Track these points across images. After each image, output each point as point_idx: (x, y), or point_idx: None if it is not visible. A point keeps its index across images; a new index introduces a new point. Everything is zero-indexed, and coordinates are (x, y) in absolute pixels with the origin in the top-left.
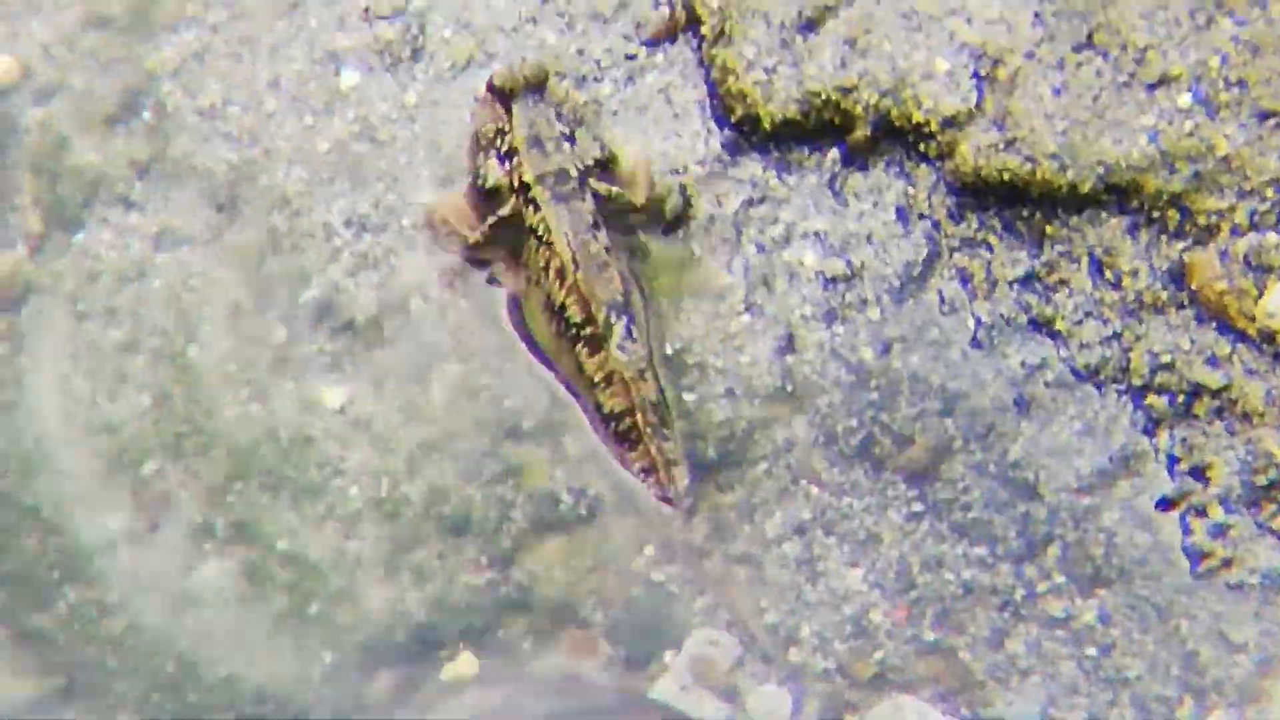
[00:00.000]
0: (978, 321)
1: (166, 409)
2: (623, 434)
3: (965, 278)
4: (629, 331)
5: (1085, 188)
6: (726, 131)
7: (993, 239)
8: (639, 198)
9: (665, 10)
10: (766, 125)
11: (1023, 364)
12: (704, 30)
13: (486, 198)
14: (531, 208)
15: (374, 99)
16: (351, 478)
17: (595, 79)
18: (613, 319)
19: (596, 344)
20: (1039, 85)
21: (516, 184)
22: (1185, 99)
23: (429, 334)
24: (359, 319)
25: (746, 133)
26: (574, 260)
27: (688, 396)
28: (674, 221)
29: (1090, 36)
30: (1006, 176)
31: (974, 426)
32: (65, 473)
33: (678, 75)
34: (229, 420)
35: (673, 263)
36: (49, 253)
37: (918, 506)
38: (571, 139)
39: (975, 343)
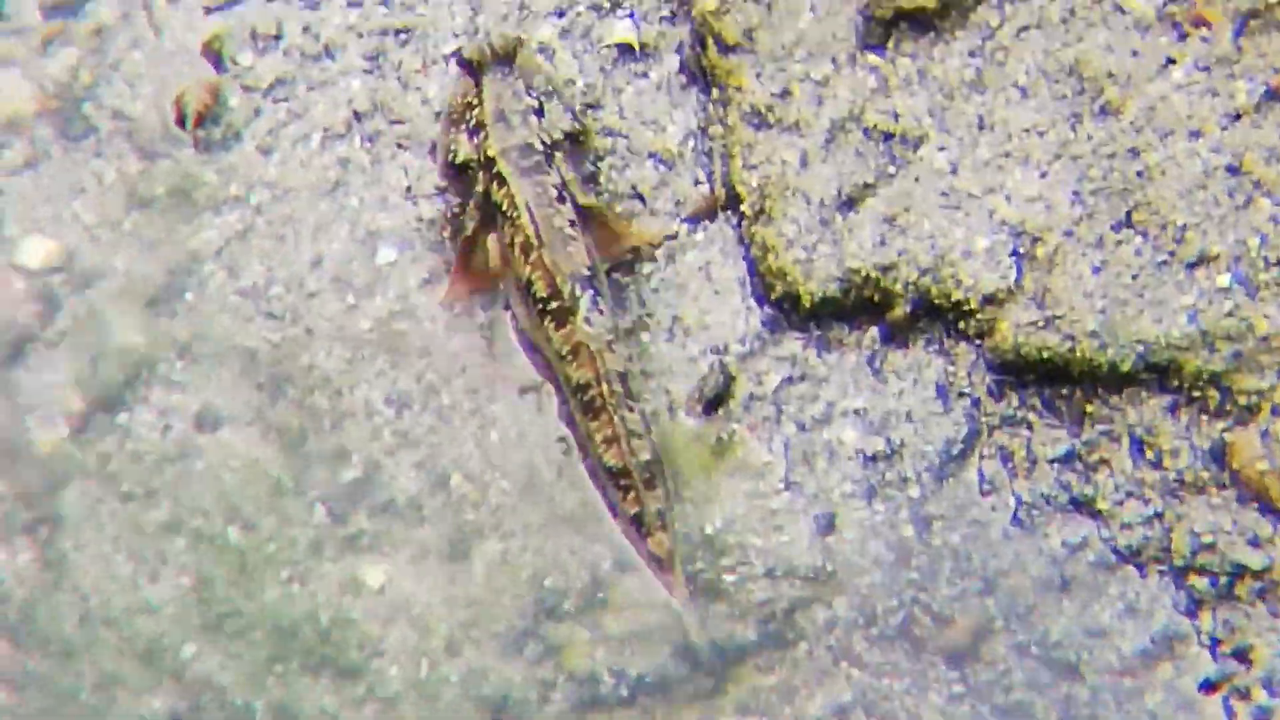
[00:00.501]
0: (1018, 500)
1: (207, 590)
2: (588, 405)
3: (1005, 456)
4: (594, 303)
5: (1125, 367)
6: (766, 309)
7: (1033, 417)
8: (626, 236)
9: (705, 188)
10: (806, 303)
11: (1064, 544)
12: (744, 208)
13: (459, 174)
14: (497, 183)
15: (415, 277)
16: (391, 658)
17: (634, 258)
18: (578, 291)
19: (563, 318)
20: (1078, 263)
21: (483, 159)
22: (1225, 279)
23: (469, 513)
24: (399, 498)
25: (786, 310)
26: (537, 234)
27: (728, 577)
28: (714, 400)
29: (1129, 215)
30: (1046, 355)
31: (1015, 606)
32: (106, 655)
33: (718, 253)
34: (269, 601)
35: (712, 441)
36: (91, 433)
37: (959, 688)
38: (540, 112)
39: (1016, 521)
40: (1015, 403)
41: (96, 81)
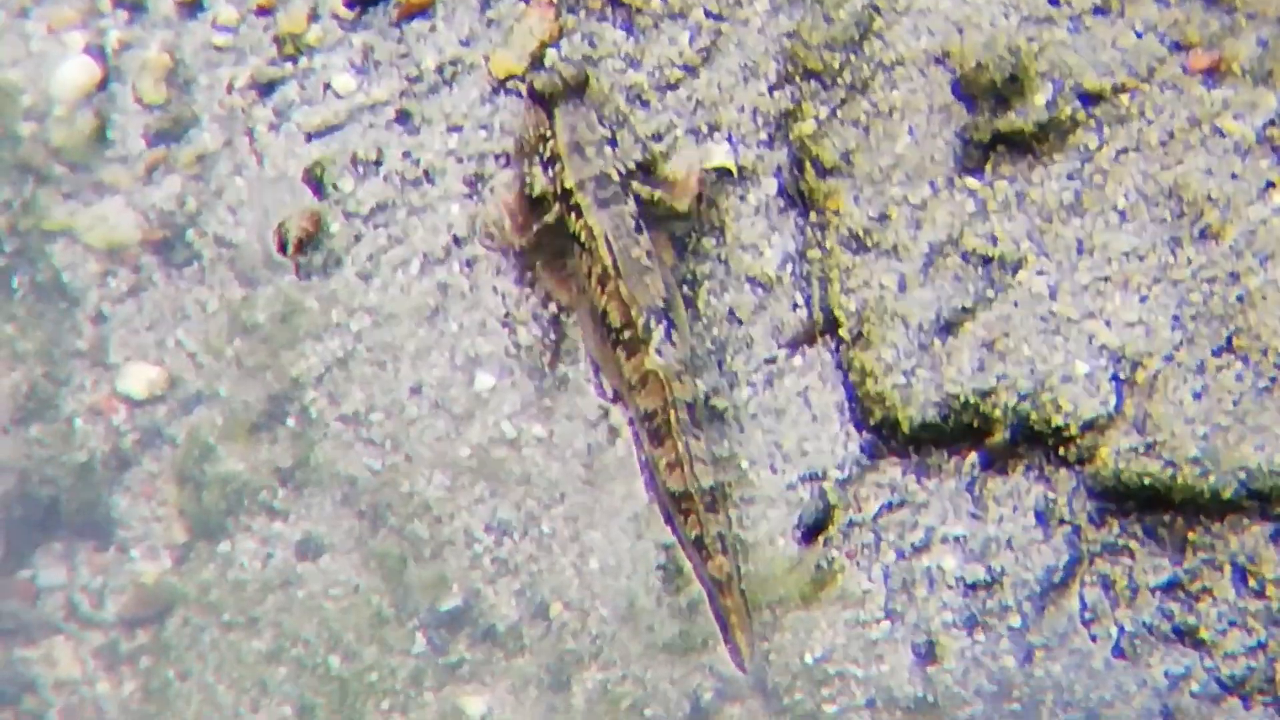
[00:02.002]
0: (1120, 630)
1: None
2: (654, 432)
3: (1107, 584)
4: (668, 335)
5: (1227, 494)
6: (865, 435)
7: (1134, 545)
8: (683, 203)
9: (803, 313)
10: (905, 428)
11: (1166, 674)
12: (842, 332)
13: (533, 206)
14: (574, 214)
15: (513, 404)
16: None
17: (732, 384)
18: (652, 323)
19: (634, 347)
20: (1179, 389)
21: (559, 191)
22: None
23: (569, 642)
24: (499, 627)
25: (885, 436)
26: (614, 265)
27: (829, 708)
28: (813, 527)
29: (1230, 340)
30: (1147, 481)
31: None
32: None
33: (816, 378)
34: None
35: (812, 568)
36: (193, 562)
37: None
38: (614, 142)
39: (1118, 652)
40: (1116, 530)
41: (200, 208)
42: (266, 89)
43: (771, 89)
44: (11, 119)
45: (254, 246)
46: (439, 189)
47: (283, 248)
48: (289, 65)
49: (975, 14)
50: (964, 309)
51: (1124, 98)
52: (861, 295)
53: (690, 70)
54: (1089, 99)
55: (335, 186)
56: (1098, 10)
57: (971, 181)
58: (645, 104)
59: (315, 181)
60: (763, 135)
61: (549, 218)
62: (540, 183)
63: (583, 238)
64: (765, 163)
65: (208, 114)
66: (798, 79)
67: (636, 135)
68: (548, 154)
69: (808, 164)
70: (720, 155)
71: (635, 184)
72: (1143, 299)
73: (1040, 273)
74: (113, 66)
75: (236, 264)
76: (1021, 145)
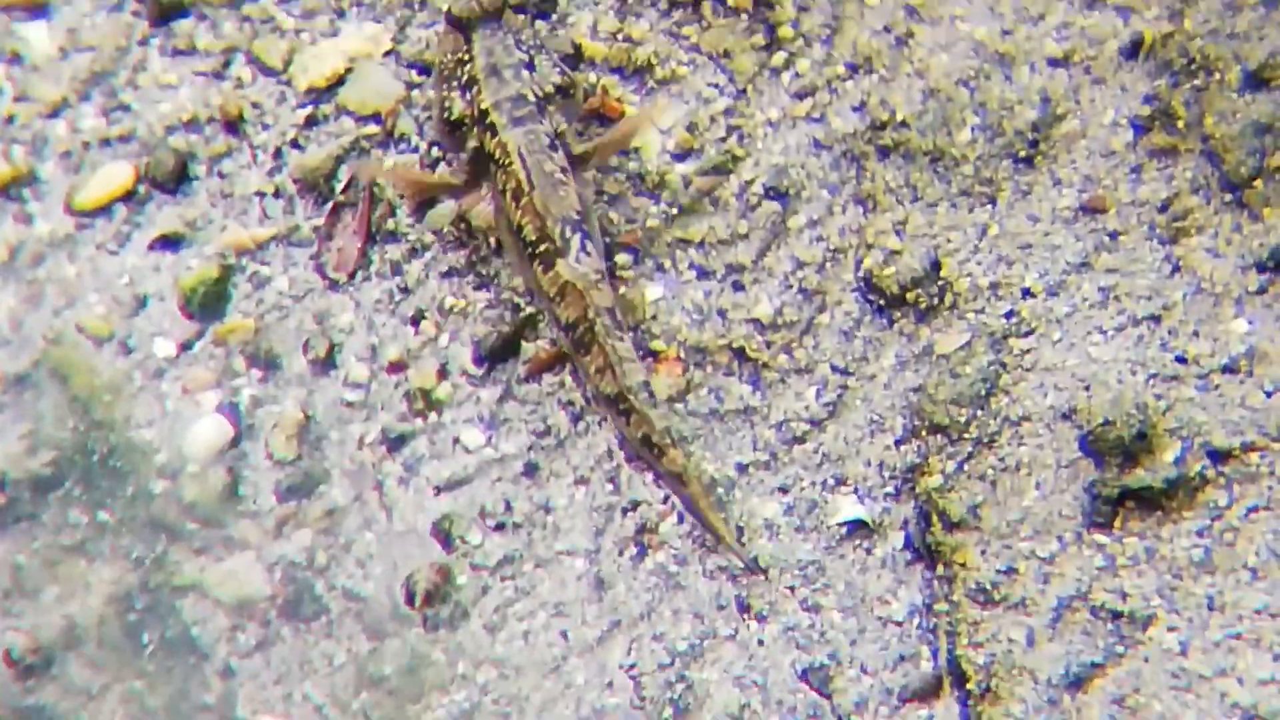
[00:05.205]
0: None
1: None
2: (579, 341)
3: None
4: (584, 245)
5: None
6: None
7: None
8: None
9: (930, 665)
10: None
11: None
12: (970, 686)
13: (453, 130)
14: (490, 133)
15: None
16: None
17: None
18: (568, 233)
19: (551, 260)
20: None
21: (476, 113)
22: None
23: None
24: None
25: None
26: (529, 179)
27: None
28: None
29: None
30: None
31: None
32: None
33: None
34: None
35: None
36: None
37: None
38: (531, 66)
39: None
40: None
41: (329, 562)
42: (397, 444)
43: (898, 443)
44: (145, 477)
45: (382, 600)
46: (564, 542)
47: (410, 600)
48: (419, 421)
49: (1102, 371)
50: (1093, 664)
51: (1254, 456)
52: (989, 649)
53: (817, 424)
54: (1218, 457)
55: (463, 540)
56: (1226, 369)
57: (1100, 537)
58: (773, 457)
59: (443, 535)
60: (890, 489)
61: (472, 143)
62: (458, 106)
63: (497, 155)
64: (892, 516)
65: (338, 469)
66: (924, 433)
67: (554, 60)
68: (465, 78)
69: (935, 517)
70: (848, 507)
71: (577, 146)
72: (1275, 657)
73: (1171, 629)
74: (245, 424)
75: (364, 617)
76: (1150, 501)
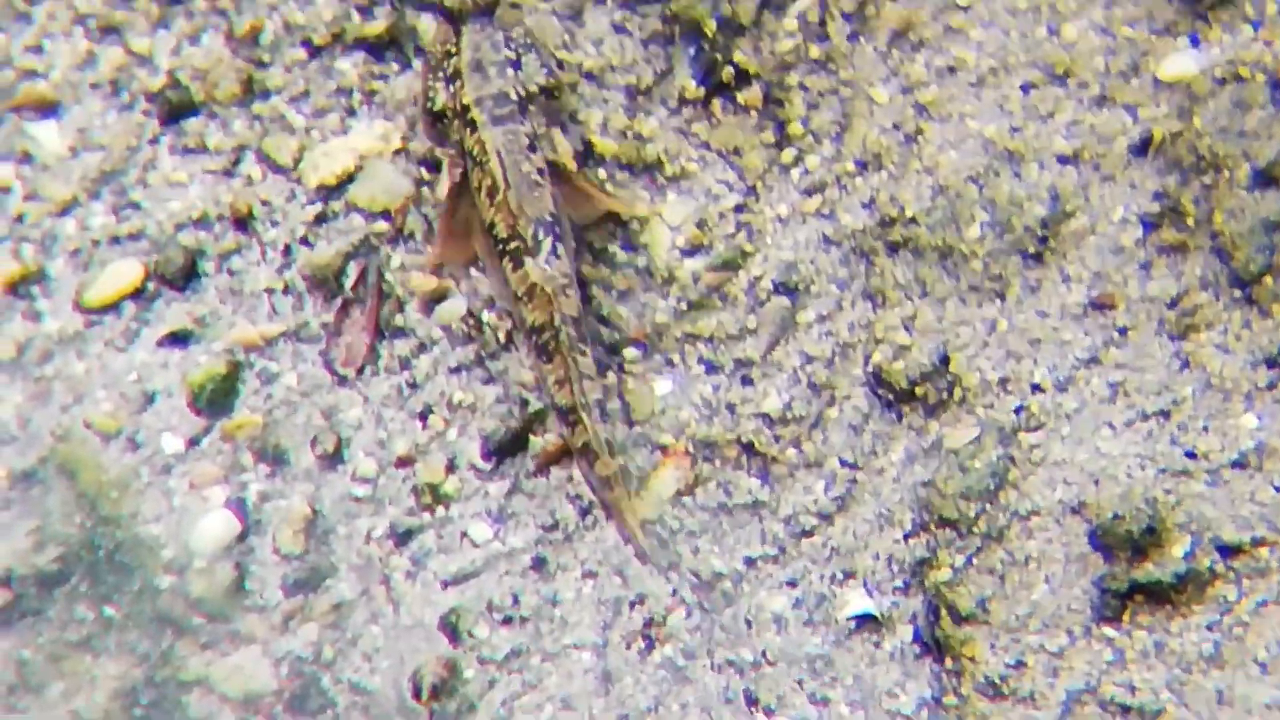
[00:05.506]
0: None
1: None
2: (542, 348)
3: None
4: (554, 248)
5: None
6: None
7: None
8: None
9: None
10: None
11: None
12: None
13: (435, 121)
14: (470, 129)
15: None
16: None
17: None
18: (540, 234)
19: (520, 259)
20: None
21: (458, 107)
22: None
23: None
24: None
25: None
26: (504, 177)
27: None
28: None
29: None
30: None
31: None
32: None
33: None
34: None
35: None
36: None
37: None
38: (517, 64)
39: None
40: None
41: (336, 656)
42: (404, 538)
43: (907, 537)
44: (152, 572)
45: (389, 694)
46: (572, 635)
47: (417, 695)
48: (427, 515)
49: (1111, 465)
50: None
51: (1263, 551)
52: None
53: (825, 518)
54: (1228, 551)
55: (470, 633)
56: (1235, 464)
57: (1109, 631)
58: (781, 550)
59: (451, 629)
60: (898, 582)
61: (454, 136)
62: (441, 98)
63: (475, 152)
64: (901, 609)
65: (345, 563)
66: (933, 527)
67: (543, 60)
68: (451, 70)
69: (944, 611)
70: (857, 601)
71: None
72: None
73: None
74: (253, 519)
75: (371, 711)
76: (1160, 596)
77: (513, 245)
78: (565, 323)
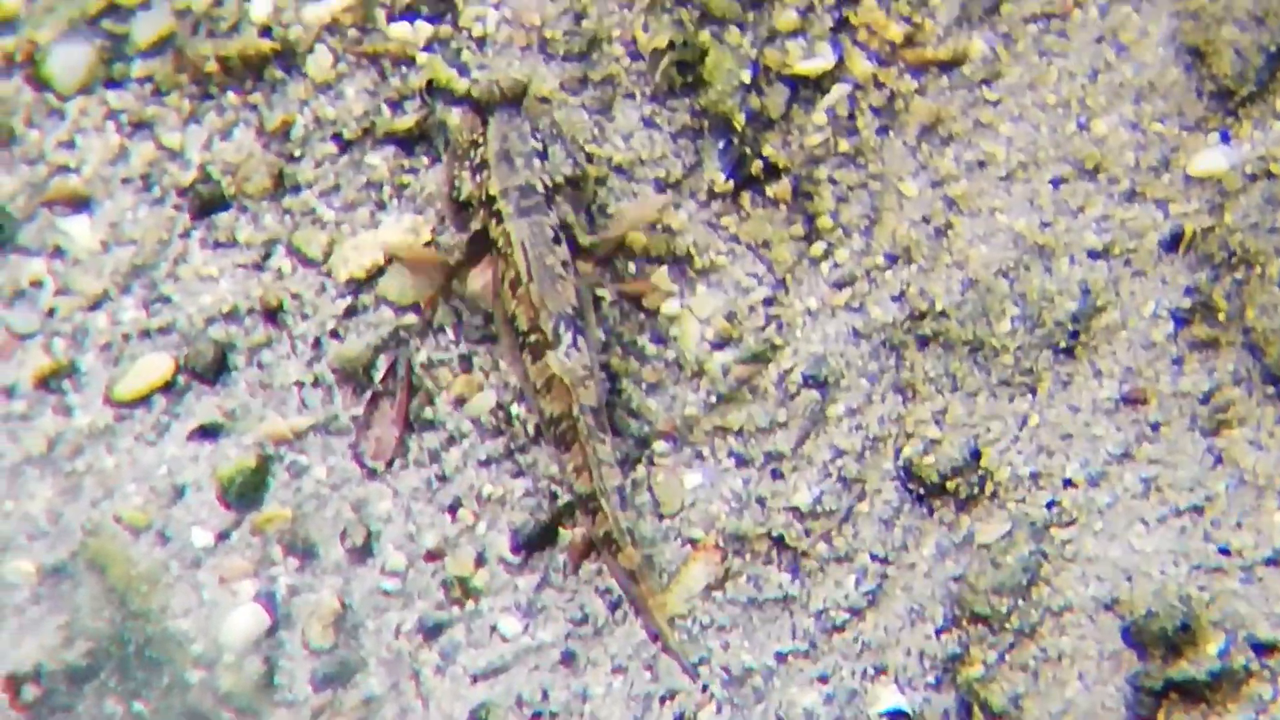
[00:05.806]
0: None
1: None
2: (561, 438)
3: None
4: (575, 341)
5: None
6: None
7: None
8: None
9: None
10: None
11: None
12: None
13: (460, 210)
14: (495, 220)
15: None
16: None
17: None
18: (561, 329)
19: (540, 351)
20: None
21: (484, 197)
22: None
23: None
24: None
25: None
26: (528, 270)
27: None
28: None
29: None
30: None
31: None
32: None
33: None
34: None
35: None
36: None
37: None
38: (544, 155)
39: None
40: None
41: None
42: (434, 632)
43: (939, 632)
44: (182, 666)
45: None
46: None
47: None
48: (456, 609)
49: (1144, 562)
50: None
51: None
52: None
53: (857, 613)
54: (1262, 649)
55: None
56: (1270, 561)
57: None
58: (812, 645)
59: None
60: (930, 678)
61: (475, 224)
62: (467, 187)
63: (500, 243)
64: (933, 706)
65: (375, 658)
66: (965, 623)
67: (569, 151)
68: (478, 159)
69: (976, 708)
70: (889, 697)
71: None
72: None
73: None
74: (282, 613)
75: None
76: (1194, 694)
77: (533, 338)
78: (584, 412)
